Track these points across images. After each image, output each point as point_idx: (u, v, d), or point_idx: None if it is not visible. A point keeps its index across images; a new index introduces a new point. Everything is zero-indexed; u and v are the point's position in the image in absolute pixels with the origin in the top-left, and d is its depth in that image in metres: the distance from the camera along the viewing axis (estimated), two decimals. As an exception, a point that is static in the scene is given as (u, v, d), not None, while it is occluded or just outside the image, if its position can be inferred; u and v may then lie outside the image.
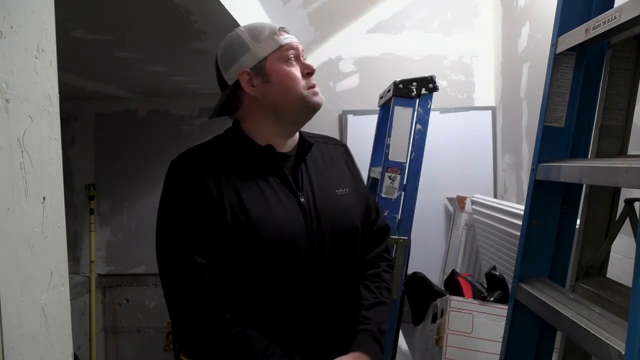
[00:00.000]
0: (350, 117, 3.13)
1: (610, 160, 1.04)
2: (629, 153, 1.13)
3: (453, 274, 2.08)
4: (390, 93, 1.88)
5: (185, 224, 1.00)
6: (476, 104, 3.14)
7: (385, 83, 2.07)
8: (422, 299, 1.96)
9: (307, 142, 1.14)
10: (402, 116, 1.84)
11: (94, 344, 3.23)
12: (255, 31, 1.07)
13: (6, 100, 0.64)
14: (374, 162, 2.21)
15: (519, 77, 2.66)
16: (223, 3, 1.53)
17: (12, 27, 0.66)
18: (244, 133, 1.10)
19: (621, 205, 1.13)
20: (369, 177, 2.24)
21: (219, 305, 0.98)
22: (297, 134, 1.16)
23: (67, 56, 1.91)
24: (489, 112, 3.08)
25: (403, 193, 1.84)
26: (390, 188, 1.82)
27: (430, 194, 2.89)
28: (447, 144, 3.00)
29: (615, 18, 0.91)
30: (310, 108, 1.09)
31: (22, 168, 0.67)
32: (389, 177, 1.83)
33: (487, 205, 2.37)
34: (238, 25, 1.39)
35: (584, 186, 1.17)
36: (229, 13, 1.60)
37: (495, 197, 2.97)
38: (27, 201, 0.68)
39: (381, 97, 2.18)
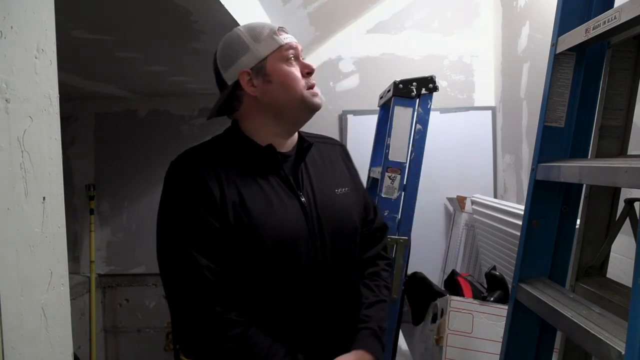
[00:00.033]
0: (350, 117, 3.13)
1: (610, 160, 1.04)
2: (629, 153, 1.13)
3: (453, 274, 2.08)
4: (390, 93, 1.88)
5: (188, 224, 0.99)
6: (476, 104, 3.14)
7: (385, 83, 2.07)
8: (422, 299, 1.96)
9: (306, 142, 1.14)
10: (402, 116, 1.84)
11: (94, 344, 3.23)
12: (254, 31, 1.07)
13: (6, 100, 0.64)
14: (374, 162, 2.21)
15: (519, 77, 2.66)
16: (223, 3, 1.53)
17: (12, 27, 0.66)
18: (244, 133, 1.10)
19: (621, 205, 1.13)
20: (369, 177, 2.24)
21: (223, 306, 0.98)
22: (296, 133, 1.16)
23: (67, 56, 1.91)
24: (489, 112, 3.08)
25: (403, 193, 1.84)
26: (390, 188, 1.82)
27: (430, 194, 2.89)
28: (447, 144, 3.00)
29: (615, 18, 0.91)
30: (310, 109, 1.09)
31: (22, 168, 0.67)
32: (389, 177, 1.82)
33: (487, 205, 2.37)
34: (238, 25, 1.39)
35: (584, 186, 1.17)
36: (229, 13, 1.60)
37: (495, 197, 2.97)
38: (27, 201, 0.68)
39: (381, 97, 2.18)
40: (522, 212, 1.24)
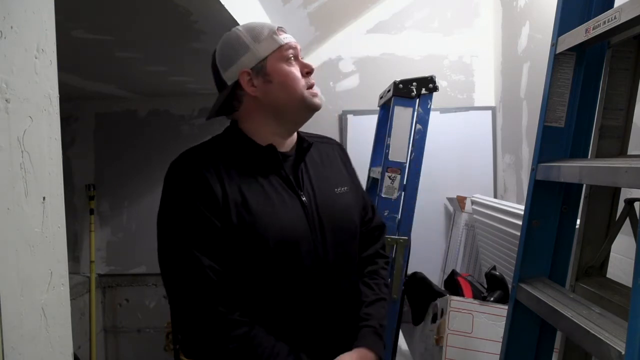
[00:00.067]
0: (350, 117, 3.13)
1: (610, 160, 1.04)
2: (629, 153, 1.13)
3: (453, 274, 2.08)
4: (390, 93, 1.88)
5: (190, 224, 0.99)
6: (476, 104, 3.13)
7: (385, 83, 2.07)
8: (422, 299, 1.96)
9: (306, 142, 1.15)
10: (402, 116, 1.84)
11: (94, 344, 3.23)
12: (254, 31, 1.07)
13: (6, 100, 0.64)
14: (374, 162, 2.21)
15: (519, 77, 2.66)
16: (223, 3, 1.53)
17: (12, 27, 0.66)
18: (244, 133, 1.10)
19: (621, 205, 1.13)
20: (369, 177, 2.24)
21: (226, 306, 0.98)
22: (296, 133, 1.16)
23: (67, 56, 1.91)
24: (489, 112, 3.08)
25: (403, 193, 1.84)
26: (390, 188, 1.82)
27: (430, 194, 2.89)
28: (447, 144, 3.00)
29: (615, 18, 0.91)
30: (310, 109, 1.10)
31: (22, 168, 0.67)
32: (389, 177, 1.82)
33: (487, 205, 2.37)
34: (238, 25, 1.39)
35: (584, 186, 1.17)
36: (229, 13, 1.60)
37: (495, 197, 2.97)
38: (27, 201, 0.68)
39: (381, 97, 2.18)
40: (522, 212, 1.24)
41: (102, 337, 3.44)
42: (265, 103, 1.07)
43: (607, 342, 0.81)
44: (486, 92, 3.13)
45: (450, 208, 3.05)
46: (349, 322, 1.13)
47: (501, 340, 1.26)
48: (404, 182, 1.84)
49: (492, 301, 1.77)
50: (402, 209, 1.84)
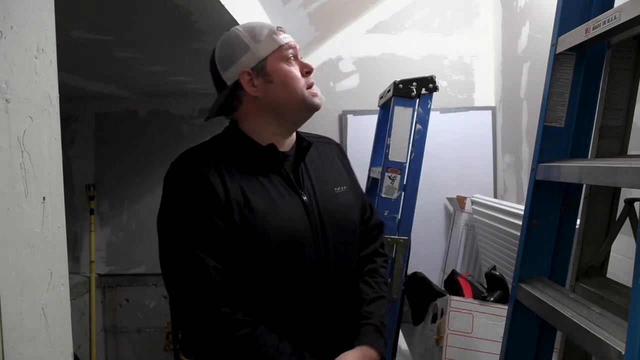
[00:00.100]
0: (350, 117, 3.13)
1: (610, 160, 1.04)
2: (629, 153, 1.13)
3: (453, 274, 2.08)
4: (390, 93, 1.88)
5: (193, 224, 0.99)
6: (476, 104, 3.13)
7: (385, 83, 2.07)
8: (422, 299, 1.96)
9: (305, 141, 1.15)
10: (402, 116, 1.84)
11: (94, 344, 3.23)
12: (254, 31, 1.07)
13: (6, 100, 0.64)
14: (374, 162, 2.21)
15: (519, 77, 2.66)
16: (223, 3, 1.53)
17: (12, 27, 0.66)
18: (244, 133, 1.10)
19: (621, 205, 1.13)
20: (369, 177, 2.24)
21: (230, 307, 0.98)
22: (295, 133, 1.16)
23: (67, 56, 1.91)
24: (489, 112, 3.08)
25: (403, 193, 1.84)
26: (390, 188, 1.82)
27: (430, 194, 2.89)
28: (447, 144, 3.00)
29: (615, 18, 0.91)
30: (310, 108, 1.10)
31: (22, 168, 0.67)
32: (389, 177, 1.82)
33: (487, 205, 2.37)
34: (238, 25, 1.40)
35: (584, 186, 1.17)
36: (229, 13, 1.60)
37: (495, 197, 2.97)
38: (27, 201, 0.68)
39: (381, 97, 2.18)
40: (522, 212, 1.24)
41: (102, 337, 3.44)
42: (265, 103, 1.07)
43: (607, 342, 0.81)
44: (486, 92, 3.13)
45: (450, 208, 3.05)
46: (350, 321, 1.13)
47: (501, 340, 1.26)
48: (404, 182, 1.84)
49: (492, 301, 1.77)
50: (402, 209, 1.84)
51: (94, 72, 2.47)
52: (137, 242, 3.37)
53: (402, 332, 2.09)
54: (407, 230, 1.84)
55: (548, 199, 1.17)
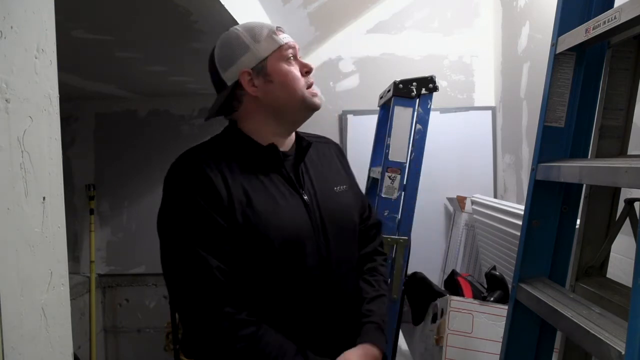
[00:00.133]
0: (350, 117, 3.13)
1: (610, 160, 1.04)
2: (629, 153, 1.13)
3: (453, 274, 2.08)
4: (390, 93, 1.88)
5: (196, 224, 0.99)
6: (476, 104, 3.13)
7: (385, 83, 2.07)
8: (422, 299, 1.96)
9: (305, 141, 1.15)
10: (402, 116, 1.84)
11: (94, 344, 3.23)
12: (253, 31, 1.07)
13: (6, 100, 0.64)
14: (374, 162, 2.21)
15: (519, 77, 2.66)
16: (223, 3, 1.53)
17: (12, 27, 0.66)
18: (244, 133, 1.11)
19: (621, 205, 1.13)
20: (369, 177, 2.24)
21: (234, 307, 0.98)
22: (294, 133, 1.16)
23: (67, 56, 1.91)
24: (489, 112, 3.08)
25: (403, 193, 1.84)
26: (390, 188, 1.82)
27: (430, 194, 2.89)
28: (447, 144, 3.00)
29: (615, 18, 0.91)
30: (310, 108, 1.11)
31: (22, 168, 0.67)
32: (389, 177, 1.82)
33: (487, 205, 2.37)
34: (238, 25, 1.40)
35: (584, 186, 1.17)
36: (229, 13, 1.60)
37: (495, 197, 2.97)
38: (27, 201, 0.68)
39: (381, 97, 2.18)
40: (522, 212, 1.24)
41: (102, 337, 3.44)
42: (265, 103, 1.08)
43: (607, 342, 0.81)
44: (486, 92, 3.13)
45: (450, 208, 3.05)
46: (351, 319, 1.14)
47: (501, 340, 1.26)
48: (404, 182, 1.84)
49: (492, 301, 1.77)
50: (402, 209, 1.84)
51: (94, 72, 2.47)
52: (137, 242, 3.37)
53: (402, 332, 2.09)
54: (407, 230, 1.84)
55: (548, 199, 1.17)
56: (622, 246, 1.33)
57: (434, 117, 2.03)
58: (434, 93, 1.86)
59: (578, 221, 1.18)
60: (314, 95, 1.10)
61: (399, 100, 1.84)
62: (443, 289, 2.02)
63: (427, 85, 1.84)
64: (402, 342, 2.16)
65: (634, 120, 1.12)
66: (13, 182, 0.66)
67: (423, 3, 3.14)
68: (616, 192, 1.15)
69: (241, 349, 0.96)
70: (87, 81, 2.66)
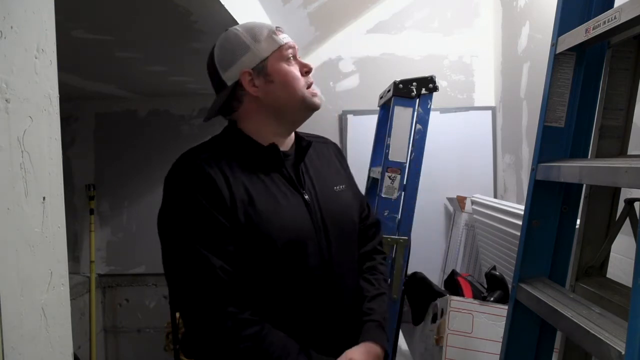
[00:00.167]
0: (350, 117, 3.13)
1: (610, 160, 1.04)
2: (629, 153, 1.13)
3: (453, 274, 2.08)
4: (390, 93, 1.88)
5: (199, 224, 0.98)
6: (476, 104, 3.13)
7: (385, 83, 2.07)
8: (422, 299, 1.96)
9: (305, 141, 1.15)
10: (402, 116, 1.84)
11: (94, 344, 3.23)
12: (253, 31, 1.08)
13: (6, 100, 0.64)
14: (374, 162, 2.21)
15: (519, 77, 2.66)
16: (223, 3, 1.53)
17: (12, 27, 0.66)
18: (244, 133, 1.11)
19: (621, 205, 1.13)
20: (369, 177, 2.24)
21: (237, 306, 0.98)
22: (293, 133, 1.17)
23: (67, 56, 1.90)
24: (489, 112, 3.08)
25: (403, 193, 1.84)
26: (390, 188, 1.82)
27: (430, 194, 2.89)
28: (447, 144, 3.00)
29: (615, 18, 0.91)
30: (310, 108, 1.11)
31: (22, 168, 0.67)
32: (389, 177, 1.82)
33: (487, 205, 2.37)
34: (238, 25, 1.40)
35: (584, 186, 1.17)
36: (229, 13, 1.60)
37: (495, 197, 2.97)
38: (27, 201, 0.68)
39: (381, 97, 2.18)
40: (522, 212, 1.24)
41: (102, 337, 3.44)
42: (265, 103, 1.08)
43: (607, 342, 0.81)
44: (486, 92, 3.13)
45: (450, 208, 3.05)
46: (352, 318, 1.14)
47: (501, 340, 1.26)
48: (404, 182, 1.84)
49: (492, 301, 1.77)
50: (402, 209, 1.84)
51: (94, 72, 2.47)
52: (137, 242, 3.37)
53: (402, 332, 2.09)
54: (407, 230, 1.84)
55: (548, 199, 1.17)
56: (622, 246, 1.33)
57: (434, 117, 2.03)
58: (434, 93, 1.86)
59: (578, 221, 1.18)
60: (314, 95, 1.10)
61: (399, 100, 1.84)
62: (443, 289, 2.01)
63: (427, 85, 1.84)
64: (402, 342, 2.16)
65: (634, 120, 1.12)
66: (13, 182, 0.66)
67: (423, 3, 3.14)
68: (616, 192, 1.15)
69: (245, 349, 0.96)
70: (87, 81, 2.66)
